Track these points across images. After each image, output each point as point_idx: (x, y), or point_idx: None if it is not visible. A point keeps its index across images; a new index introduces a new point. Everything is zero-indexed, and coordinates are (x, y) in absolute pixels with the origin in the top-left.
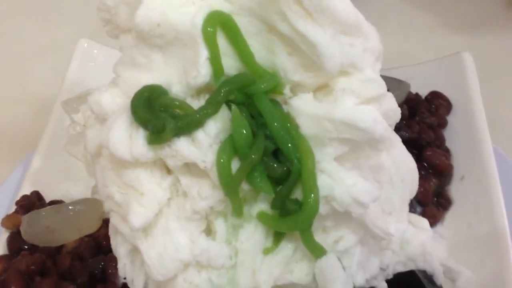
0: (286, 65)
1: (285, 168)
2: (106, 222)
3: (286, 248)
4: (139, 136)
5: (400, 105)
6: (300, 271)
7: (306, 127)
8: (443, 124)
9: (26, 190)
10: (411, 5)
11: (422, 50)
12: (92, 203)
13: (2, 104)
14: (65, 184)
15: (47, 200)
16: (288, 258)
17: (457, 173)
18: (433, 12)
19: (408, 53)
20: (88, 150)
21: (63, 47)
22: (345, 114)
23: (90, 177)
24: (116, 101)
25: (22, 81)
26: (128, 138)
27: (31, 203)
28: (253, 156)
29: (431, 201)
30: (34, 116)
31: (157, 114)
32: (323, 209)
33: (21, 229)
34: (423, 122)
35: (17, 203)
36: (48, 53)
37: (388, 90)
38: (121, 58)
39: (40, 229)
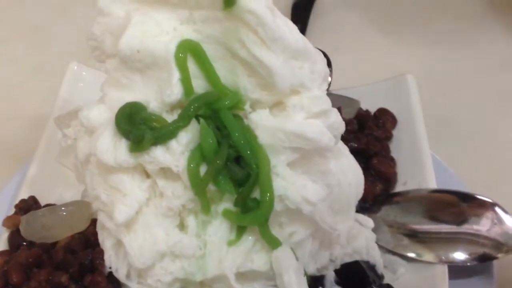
0: (246, 85)
1: (245, 172)
2: (93, 221)
3: (247, 240)
4: (122, 145)
5: (351, 120)
6: (260, 260)
7: (263, 137)
8: (389, 136)
9: (24, 195)
10: (365, 26)
11: (374, 69)
12: (82, 205)
13: None
14: (57, 190)
15: (42, 204)
16: (249, 249)
17: (400, 179)
18: (385, 33)
19: (361, 72)
20: (78, 158)
21: (52, 68)
22: (296, 127)
23: (79, 184)
24: (102, 115)
25: (15, 99)
26: (113, 147)
27: (29, 206)
28: (218, 162)
29: None
30: (27, 131)
31: (137, 127)
32: (278, 206)
33: (20, 227)
34: (371, 135)
35: (16, 206)
36: (39, 74)
37: (341, 107)
38: (107, 79)
39: (37, 227)
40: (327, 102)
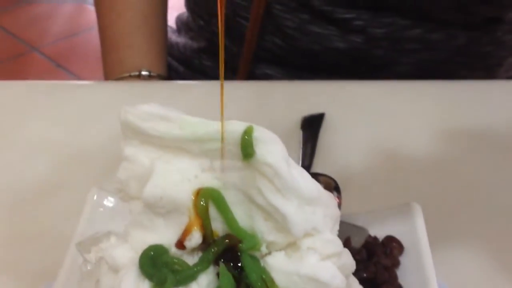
0: (263, 228)
1: None
2: None
3: None
4: (145, 286)
5: (360, 249)
6: None
7: (279, 279)
8: (396, 264)
9: None
10: (373, 147)
11: (382, 192)
12: None
13: (17, 240)
14: None
15: None
16: None
17: None
18: (395, 156)
19: (369, 195)
20: None
21: (70, 186)
22: (309, 270)
23: None
24: (126, 255)
25: (33, 218)
26: None
27: None
28: None
29: None
30: (46, 251)
31: (159, 269)
32: None
33: None
34: (379, 264)
35: None
36: (58, 192)
37: (350, 237)
38: (131, 220)
39: None
40: (338, 245)
